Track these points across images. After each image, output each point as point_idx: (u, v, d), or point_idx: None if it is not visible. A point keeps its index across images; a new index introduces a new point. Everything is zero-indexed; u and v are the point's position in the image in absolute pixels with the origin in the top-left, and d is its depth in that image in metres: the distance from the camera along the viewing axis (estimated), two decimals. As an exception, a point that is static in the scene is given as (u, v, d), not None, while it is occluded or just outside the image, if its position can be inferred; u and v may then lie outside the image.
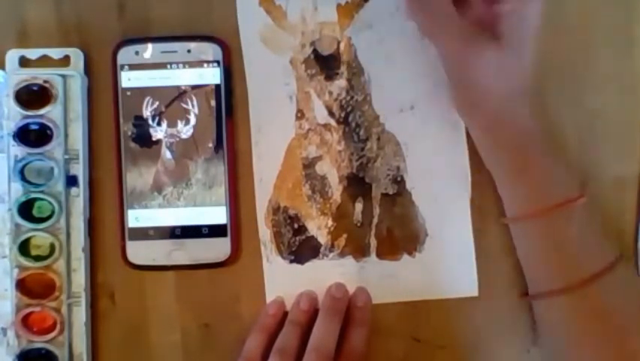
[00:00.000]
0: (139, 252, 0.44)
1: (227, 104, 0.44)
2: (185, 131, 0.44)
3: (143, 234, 0.44)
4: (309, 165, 0.45)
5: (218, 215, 0.44)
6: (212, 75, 0.44)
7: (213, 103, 0.44)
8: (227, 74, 0.44)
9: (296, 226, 0.45)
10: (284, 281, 0.45)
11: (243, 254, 0.45)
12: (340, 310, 0.43)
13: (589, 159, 0.45)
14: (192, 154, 0.44)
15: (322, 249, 0.45)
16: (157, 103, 0.44)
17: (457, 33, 0.38)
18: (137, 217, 0.44)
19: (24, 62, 0.45)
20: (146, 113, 0.44)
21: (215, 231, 0.44)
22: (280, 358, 0.41)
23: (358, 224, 0.45)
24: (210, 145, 0.44)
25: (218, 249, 0.44)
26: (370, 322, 0.44)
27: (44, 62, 0.45)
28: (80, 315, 0.44)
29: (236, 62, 0.45)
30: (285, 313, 0.44)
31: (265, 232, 0.45)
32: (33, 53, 0.45)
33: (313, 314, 0.43)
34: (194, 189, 0.44)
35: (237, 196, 0.45)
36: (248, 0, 0.45)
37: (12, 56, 0.44)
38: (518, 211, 0.41)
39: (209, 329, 0.45)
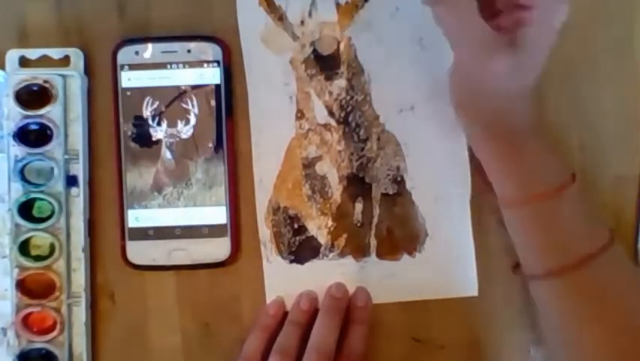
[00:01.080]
0: (139, 252, 0.44)
1: (227, 104, 0.44)
2: (185, 131, 0.44)
3: (143, 234, 0.44)
4: (309, 165, 0.45)
5: (218, 215, 0.44)
6: (212, 75, 0.44)
7: (213, 103, 0.44)
8: (227, 74, 0.44)
9: (296, 225, 0.45)
10: (284, 281, 0.45)
11: (243, 254, 0.45)
12: (340, 310, 0.43)
13: (589, 159, 0.45)
14: (192, 154, 0.44)
15: (322, 249, 0.45)
16: (157, 103, 0.44)
17: (478, 39, 0.38)
18: (137, 217, 0.44)
19: (24, 62, 0.45)
20: (146, 113, 0.44)
21: (215, 231, 0.44)
22: (280, 358, 0.41)
23: (358, 224, 0.45)
24: (210, 145, 0.44)
25: (218, 249, 0.44)
26: (370, 322, 0.44)
27: (44, 62, 0.45)
28: (80, 315, 0.44)
29: (236, 62, 0.45)
30: (285, 314, 0.44)
31: (265, 232, 0.45)
32: (33, 53, 0.45)
33: (313, 314, 0.43)
34: (194, 189, 0.44)
35: (237, 196, 0.45)
36: (248, 0, 0.45)
37: (12, 56, 0.44)
38: (510, 198, 0.41)
39: (209, 329, 0.45)
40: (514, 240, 0.43)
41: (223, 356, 0.45)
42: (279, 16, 0.45)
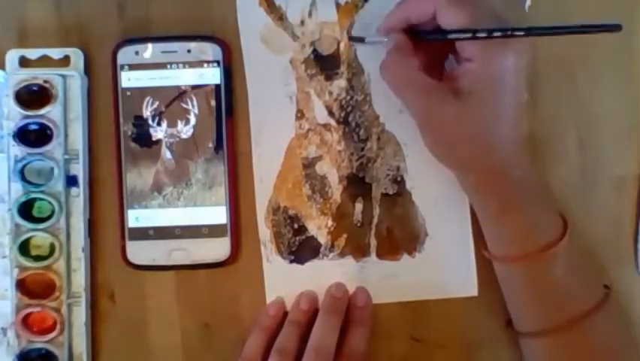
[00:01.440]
0: (139, 252, 0.44)
1: (227, 104, 0.44)
2: (185, 131, 0.44)
3: (143, 234, 0.44)
4: (309, 165, 0.45)
5: (218, 215, 0.44)
6: (212, 75, 0.44)
7: (213, 103, 0.44)
8: (227, 74, 0.44)
9: (296, 225, 0.45)
10: (284, 281, 0.45)
11: (243, 254, 0.45)
12: (340, 310, 0.43)
13: (589, 159, 0.45)
14: (192, 154, 0.44)
15: (322, 249, 0.45)
16: (157, 103, 0.44)
17: (420, 89, 0.39)
18: (137, 217, 0.44)
19: (24, 62, 0.45)
20: (146, 113, 0.44)
21: (215, 231, 0.44)
22: (280, 358, 0.41)
23: (358, 224, 0.45)
24: (210, 145, 0.44)
25: (218, 249, 0.44)
26: (370, 322, 0.44)
27: (44, 62, 0.45)
28: (80, 315, 0.44)
29: (236, 62, 0.45)
30: (286, 314, 0.44)
31: (265, 232, 0.45)
32: (33, 53, 0.45)
33: (313, 314, 0.43)
34: (194, 189, 0.44)
35: (237, 196, 0.45)
36: (248, 0, 0.45)
37: (12, 56, 0.44)
38: (500, 253, 0.41)
39: (209, 329, 0.45)
40: (505, 296, 0.43)
41: (223, 356, 0.45)
42: (279, 16, 0.45)
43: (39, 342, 0.43)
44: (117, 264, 0.45)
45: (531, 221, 0.40)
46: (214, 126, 0.44)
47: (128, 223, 0.44)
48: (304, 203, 0.45)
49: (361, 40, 0.44)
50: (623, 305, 0.43)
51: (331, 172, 0.45)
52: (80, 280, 0.44)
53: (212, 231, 0.44)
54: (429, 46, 0.41)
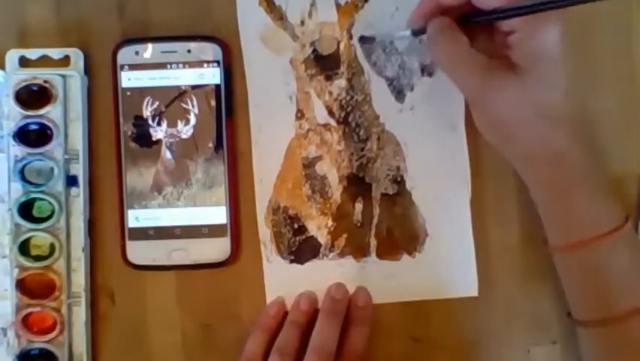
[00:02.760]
0: (139, 252, 0.44)
1: (228, 104, 0.44)
2: (185, 131, 0.44)
3: (143, 234, 0.44)
4: (309, 165, 0.45)
5: (218, 215, 0.44)
6: (212, 75, 0.44)
7: (213, 103, 0.44)
8: (227, 74, 0.44)
9: (296, 226, 0.45)
10: (284, 281, 0.45)
11: (243, 254, 0.45)
12: (340, 312, 0.43)
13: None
14: (192, 154, 0.44)
15: (322, 249, 0.45)
16: (157, 103, 0.44)
17: (474, 69, 0.38)
18: (137, 217, 0.44)
19: (24, 62, 0.45)
20: (146, 113, 0.44)
21: (215, 231, 0.44)
22: (280, 358, 0.41)
23: (358, 224, 0.45)
24: (210, 145, 0.44)
25: (218, 249, 0.44)
26: (371, 321, 0.44)
27: (44, 62, 0.45)
28: (80, 315, 0.44)
29: (236, 62, 0.45)
30: (286, 313, 0.44)
31: (265, 232, 0.45)
32: (33, 53, 0.45)
33: (313, 314, 0.43)
34: (194, 189, 0.44)
35: (237, 196, 0.45)
36: (248, 0, 0.45)
37: (12, 56, 0.44)
38: (558, 242, 0.40)
39: (209, 329, 0.45)
40: (563, 282, 0.42)
41: (223, 356, 0.45)
42: (279, 16, 0.45)
43: (39, 342, 0.43)
44: (117, 264, 0.45)
45: (589, 207, 0.39)
46: (214, 126, 0.44)
47: (128, 223, 0.44)
48: (304, 203, 0.45)
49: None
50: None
51: (331, 172, 0.45)
52: (80, 280, 0.44)
53: (212, 231, 0.44)
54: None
